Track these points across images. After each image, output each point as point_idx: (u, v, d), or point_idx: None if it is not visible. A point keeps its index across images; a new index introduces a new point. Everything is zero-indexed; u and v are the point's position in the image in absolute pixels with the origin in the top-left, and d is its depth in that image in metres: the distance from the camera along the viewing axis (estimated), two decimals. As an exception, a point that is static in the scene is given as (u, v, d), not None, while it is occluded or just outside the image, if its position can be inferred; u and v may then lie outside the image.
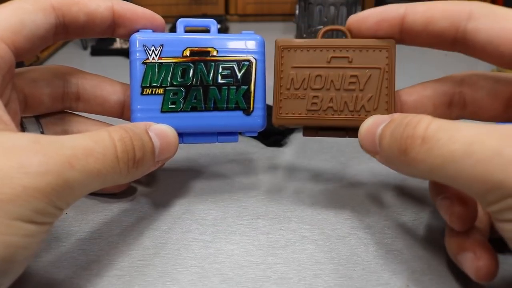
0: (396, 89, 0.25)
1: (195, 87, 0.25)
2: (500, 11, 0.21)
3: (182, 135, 0.25)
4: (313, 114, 0.25)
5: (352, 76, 0.24)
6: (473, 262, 0.21)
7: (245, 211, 0.28)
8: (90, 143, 0.19)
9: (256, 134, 0.27)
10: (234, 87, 0.25)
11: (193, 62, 0.25)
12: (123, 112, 0.28)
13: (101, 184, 0.20)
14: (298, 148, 0.36)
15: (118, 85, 0.28)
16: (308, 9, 0.49)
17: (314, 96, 0.25)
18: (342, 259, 0.24)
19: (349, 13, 0.49)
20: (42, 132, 0.26)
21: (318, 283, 0.23)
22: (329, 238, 0.26)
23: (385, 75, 0.24)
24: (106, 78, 0.28)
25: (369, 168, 0.33)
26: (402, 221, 0.27)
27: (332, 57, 0.25)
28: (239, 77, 0.25)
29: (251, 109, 0.26)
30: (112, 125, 0.23)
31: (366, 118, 0.23)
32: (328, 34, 0.26)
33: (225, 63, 0.25)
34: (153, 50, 0.24)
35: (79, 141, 0.19)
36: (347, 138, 0.37)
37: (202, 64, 0.25)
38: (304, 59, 0.25)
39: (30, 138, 0.18)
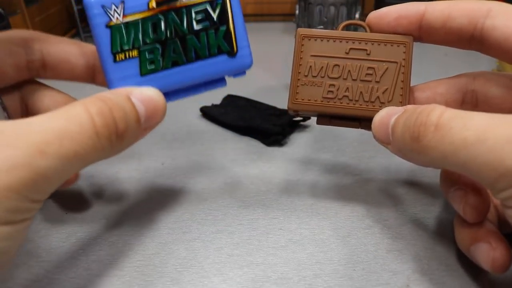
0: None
1: (171, 40, 0.23)
2: None
3: (168, 94, 0.23)
4: (328, 102, 0.25)
5: (369, 68, 0.25)
6: (489, 253, 0.21)
7: (245, 211, 0.29)
8: (63, 123, 0.17)
9: (245, 74, 0.25)
10: (213, 30, 0.23)
11: (162, 13, 0.22)
12: (94, 76, 0.26)
13: (83, 165, 0.18)
14: (298, 148, 0.36)
15: (86, 47, 0.26)
16: (308, 9, 0.49)
17: (330, 85, 0.25)
18: (342, 259, 0.24)
19: (349, 13, 0.49)
20: (4, 107, 0.24)
21: (318, 283, 0.23)
22: (329, 238, 0.26)
23: (401, 69, 0.25)
24: (73, 40, 0.26)
25: (370, 168, 0.33)
26: (402, 221, 0.27)
27: (351, 48, 0.25)
28: (215, 18, 0.23)
29: (235, 50, 0.24)
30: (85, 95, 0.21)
31: (381, 109, 0.23)
32: (348, 29, 0.26)
33: (197, 6, 0.23)
34: (114, 10, 0.22)
35: (50, 122, 0.17)
36: (348, 138, 0.37)
37: (173, 12, 0.23)
38: (323, 49, 0.25)
39: None
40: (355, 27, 0.27)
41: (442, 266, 0.24)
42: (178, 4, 0.23)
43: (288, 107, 0.26)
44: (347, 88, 0.25)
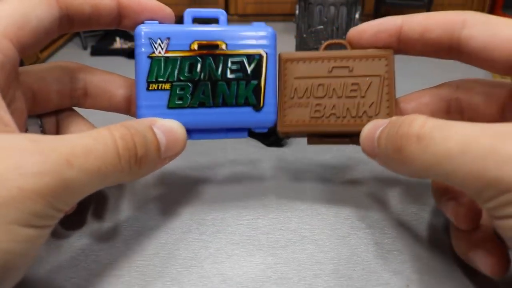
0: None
1: (203, 82, 0.24)
2: (492, 20, 0.22)
3: (190, 132, 0.25)
4: (316, 121, 0.25)
5: (353, 84, 0.25)
6: (487, 258, 0.21)
7: (245, 211, 0.28)
8: (90, 141, 0.18)
9: (266, 130, 0.26)
10: (244, 82, 0.24)
11: (201, 56, 0.24)
12: (130, 107, 0.27)
13: (103, 183, 0.19)
14: (298, 148, 0.36)
15: (124, 80, 0.27)
16: (308, 9, 0.49)
17: (317, 104, 0.25)
18: (342, 259, 0.24)
19: (349, 13, 0.49)
20: (43, 132, 0.26)
21: (318, 283, 0.23)
22: (329, 238, 0.26)
23: (385, 82, 0.25)
24: (112, 73, 0.28)
25: (370, 168, 0.33)
26: (402, 221, 0.27)
27: (334, 67, 0.25)
28: (249, 71, 0.24)
29: (261, 105, 0.25)
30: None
31: (368, 122, 0.23)
32: (330, 48, 0.27)
33: (235, 57, 0.24)
34: (159, 44, 0.24)
35: (78, 139, 0.18)
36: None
37: (211, 58, 0.24)
38: (306, 70, 0.25)
39: (27, 138, 0.17)
40: (340, 46, 0.27)
41: (441, 266, 0.24)
42: (217, 51, 0.24)
43: (278, 130, 0.26)
44: (334, 105, 0.25)
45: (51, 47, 0.60)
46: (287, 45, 0.62)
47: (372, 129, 0.22)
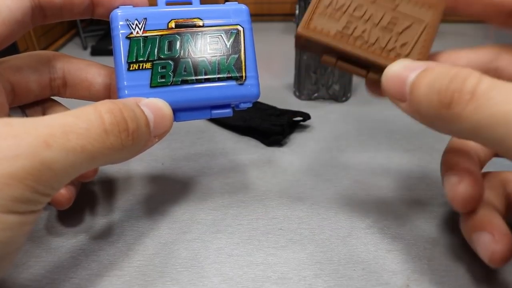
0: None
1: (184, 59, 0.24)
2: None
3: (175, 112, 0.24)
4: (341, 37, 0.24)
5: (393, 17, 0.24)
6: (490, 244, 0.20)
7: (245, 211, 0.29)
8: (71, 119, 0.18)
9: (251, 105, 0.26)
10: (224, 56, 0.25)
11: (179, 33, 0.24)
12: (110, 96, 0.27)
13: (92, 162, 0.18)
14: (297, 148, 0.36)
15: (103, 68, 0.27)
16: (308, 9, 0.49)
17: (348, 21, 0.24)
18: (342, 259, 0.24)
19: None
20: None
21: (318, 283, 0.23)
22: (329, 238, 0.26)
23: (426, 30, 0.23)
24: (92, 61, 0.27)
25: (370, 168, 0.33)
26: (402, 221, 0.27)
27: None
28: (228, 46, 0.25)
29: (244, 77, 0.25)
30: None
31: (395, 60, 0.22)
32: None
33: (213, 32, 0.25)
34: (136, 24, 0.24)
35: (58, 118, 0.17)
36: (347, 139, 0.37)
37: (189, 35, 0.24)
38: None
39: (0, 122, 0.16)
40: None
41: (442, 266, 0.24)
42: (195, 28, 0.24)
43: (297, 32, 0.24)
44: (365, 30, 0.23)
45: (51, 47, 0.60)
46: (287, 45, 0.62)
47: (403, 69, 0.20)
